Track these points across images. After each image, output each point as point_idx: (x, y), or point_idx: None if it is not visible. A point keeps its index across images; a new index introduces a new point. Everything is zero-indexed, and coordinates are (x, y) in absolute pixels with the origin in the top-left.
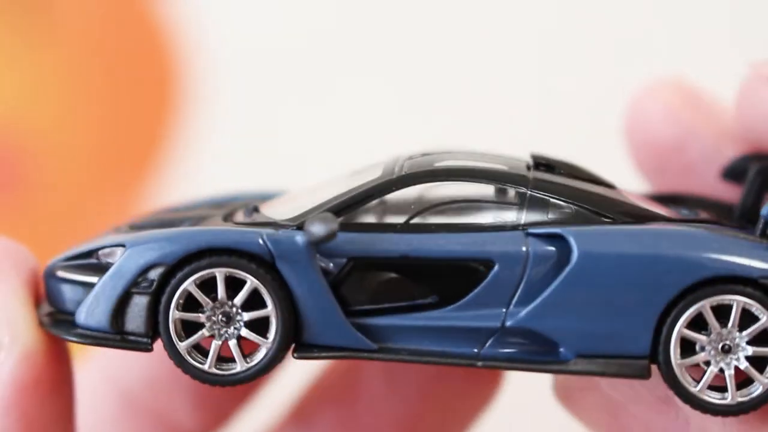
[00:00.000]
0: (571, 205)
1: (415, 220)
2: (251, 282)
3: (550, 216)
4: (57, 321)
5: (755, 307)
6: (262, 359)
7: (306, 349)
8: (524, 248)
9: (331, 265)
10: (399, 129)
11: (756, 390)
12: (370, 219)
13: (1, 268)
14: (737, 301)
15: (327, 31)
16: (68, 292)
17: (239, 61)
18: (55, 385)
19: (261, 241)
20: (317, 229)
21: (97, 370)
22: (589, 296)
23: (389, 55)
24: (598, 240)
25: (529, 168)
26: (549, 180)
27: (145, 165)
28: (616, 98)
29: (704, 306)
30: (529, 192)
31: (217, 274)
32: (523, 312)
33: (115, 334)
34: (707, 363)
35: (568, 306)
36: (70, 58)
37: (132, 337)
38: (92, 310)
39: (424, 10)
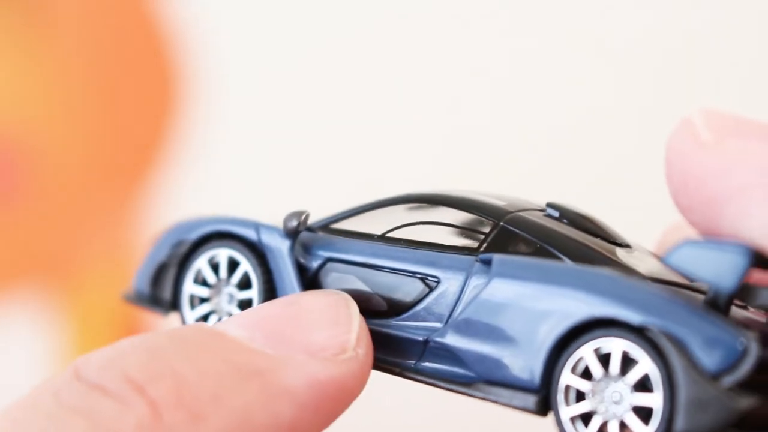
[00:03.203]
0: (536, 243)
1: (392, 234)
2: (243, 264)
3: (510, 249)
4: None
5: (633, 352)
6: None
7: None
8: (468, 271)
9: (314, 264)
10: (404, 137)
11: None
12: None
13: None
14: (615, 344)
15: (338, 33)
16: None
17: (244, 64)
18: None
19: (255, 231)
20: (289, 221)
21: None
22: (494, 321)
23: (397, 60)
24: (515, 267)
25: (526, 210)
26: (530, 219)
27: (146, 168)
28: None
29: (586, 350)
30: (501, 224)
31: (221, 254)
32: (446, 330)
33: (148, 298)
34: (596, 412)
35: (476, 328)
36: (70, 59)
37: (159, 302)
38: (139, 274)
39: (449, 25)
